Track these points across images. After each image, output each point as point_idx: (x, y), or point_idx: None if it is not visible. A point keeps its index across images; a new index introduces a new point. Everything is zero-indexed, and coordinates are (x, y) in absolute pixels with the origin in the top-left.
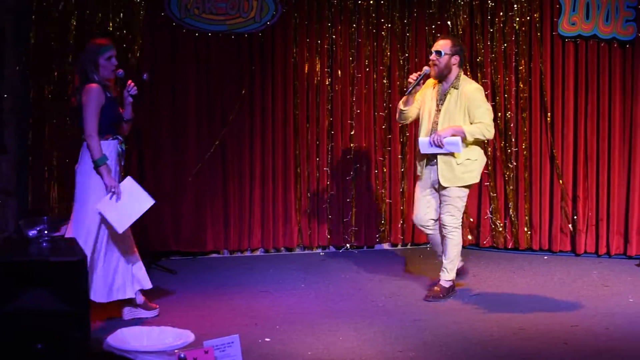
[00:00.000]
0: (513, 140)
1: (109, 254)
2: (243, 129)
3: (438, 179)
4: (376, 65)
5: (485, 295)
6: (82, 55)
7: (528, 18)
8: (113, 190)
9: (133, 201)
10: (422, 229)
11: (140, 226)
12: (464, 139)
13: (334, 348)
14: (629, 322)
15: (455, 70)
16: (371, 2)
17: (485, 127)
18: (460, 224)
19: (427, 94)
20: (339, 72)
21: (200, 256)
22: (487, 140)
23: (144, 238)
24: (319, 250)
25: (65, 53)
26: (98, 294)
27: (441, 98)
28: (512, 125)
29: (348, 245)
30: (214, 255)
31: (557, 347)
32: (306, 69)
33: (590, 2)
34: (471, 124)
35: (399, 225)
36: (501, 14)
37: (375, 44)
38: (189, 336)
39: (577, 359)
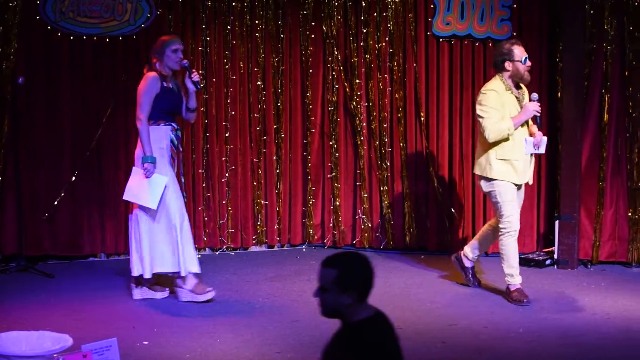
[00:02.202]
0: (387, 140)
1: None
2: (119, 132)
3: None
4: (250, 66)
5: None
6: (152, 49)
7: (402, 18)
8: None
9: (152, 181)
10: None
11: (17, 229)
12: None
13: (212, 350)
14: (508, 320)
15: None
16: (245, 3)
17: None
18: None
19: (506, 101)
20: (214, 73)
21: (77, 260)
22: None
23: (20, 241)
24: (196, 253)
25: None
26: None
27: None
28: (385, 125)
29: (224, 247)
30: (92, 258)
31: (436, 346)
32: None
33: (464, 1)
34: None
35: (275, 227)
36: (375, 14)
37: (249, 45)
38: (67, 340)
39: (456, 358)
